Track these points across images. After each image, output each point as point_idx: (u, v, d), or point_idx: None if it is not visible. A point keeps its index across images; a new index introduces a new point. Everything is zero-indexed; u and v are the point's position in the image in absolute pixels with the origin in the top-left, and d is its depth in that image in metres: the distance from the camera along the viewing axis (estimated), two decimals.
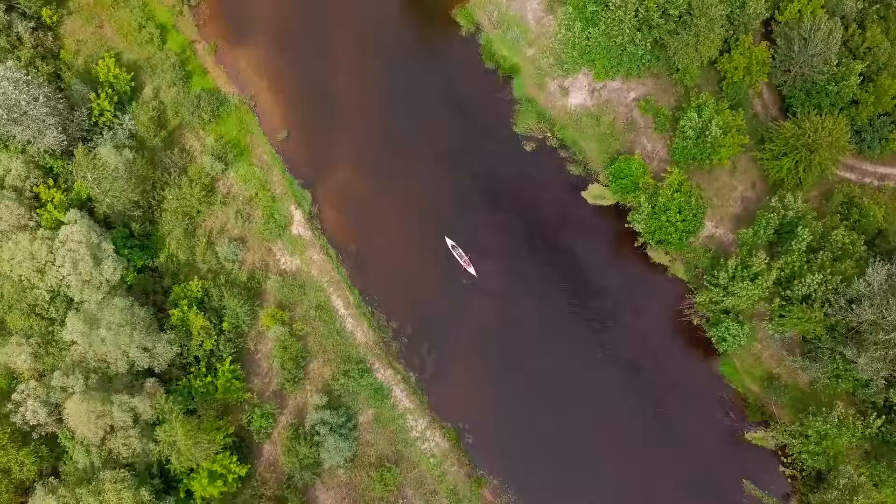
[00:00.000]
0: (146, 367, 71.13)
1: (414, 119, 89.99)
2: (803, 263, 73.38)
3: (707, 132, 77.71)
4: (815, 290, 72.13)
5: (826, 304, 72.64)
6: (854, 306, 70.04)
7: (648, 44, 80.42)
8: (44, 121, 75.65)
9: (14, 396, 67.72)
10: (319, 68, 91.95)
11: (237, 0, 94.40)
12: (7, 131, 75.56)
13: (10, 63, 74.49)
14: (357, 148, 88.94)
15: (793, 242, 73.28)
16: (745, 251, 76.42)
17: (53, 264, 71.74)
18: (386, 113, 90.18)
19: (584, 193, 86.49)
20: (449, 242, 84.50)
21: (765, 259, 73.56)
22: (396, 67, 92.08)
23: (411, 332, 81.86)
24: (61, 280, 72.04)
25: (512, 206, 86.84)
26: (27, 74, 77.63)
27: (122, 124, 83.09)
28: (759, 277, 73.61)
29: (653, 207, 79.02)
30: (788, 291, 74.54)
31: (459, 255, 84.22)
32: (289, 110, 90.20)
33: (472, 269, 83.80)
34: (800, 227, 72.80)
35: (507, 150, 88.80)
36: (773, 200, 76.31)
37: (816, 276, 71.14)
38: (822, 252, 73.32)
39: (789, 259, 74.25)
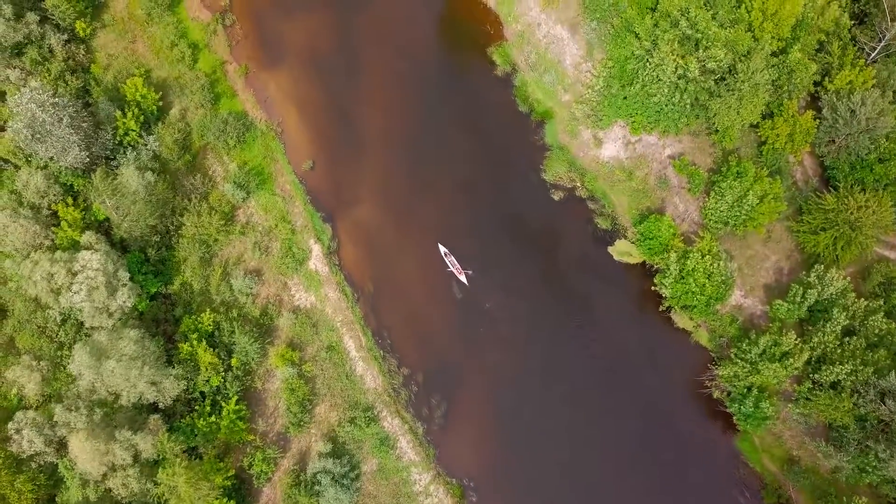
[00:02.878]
0: (152, 401, 69.72)
1: (441, 158, 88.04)
2: (836, 347, 70.27)
3: (745, 199, 74.86)
4: (844, 378, 69.06)
5: (856, 395, 69.56)
6: (887, 400, 66.95)
7: (688, 104, 77.76)
8: (68, 140, 74.61)
9: (10, 425, 66.54)
10: (350, 99, 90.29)
11: (273, 22, 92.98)
12: (30, 148, 74.50)
13: (35, 84, 73.38)
14: (381, 184, 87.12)
15: (827, 325, 70.24)
16: (776, 327, 73.53)
17: (69, 289, 70.53)
18: (413, 150, 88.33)
19: (610, 249, 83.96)
20: (442, 249, 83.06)
21: (796, 340, 70.64)
22: (427, 103, 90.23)
23: (422, 381, 79.86)
24: (74, 305, 70.82)
25: (537, 256, 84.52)
26: (54, 93, 76.69)
27: (146, 145, 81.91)
28: (789, 358, 70.75)
29: (681, 271, 76.42)
30: (817, 375, 71.54)
31: (451, 263, 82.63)
32: (315, 140, 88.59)
33: (463, 278, 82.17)
34: (836, 309, 69.74)
35: (534, 197, 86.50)
36: (811, 277, 73.01)
37: (847, 365, 68.04)
38: (856, 338, 70.20)
39: (821, 340, 71.20)
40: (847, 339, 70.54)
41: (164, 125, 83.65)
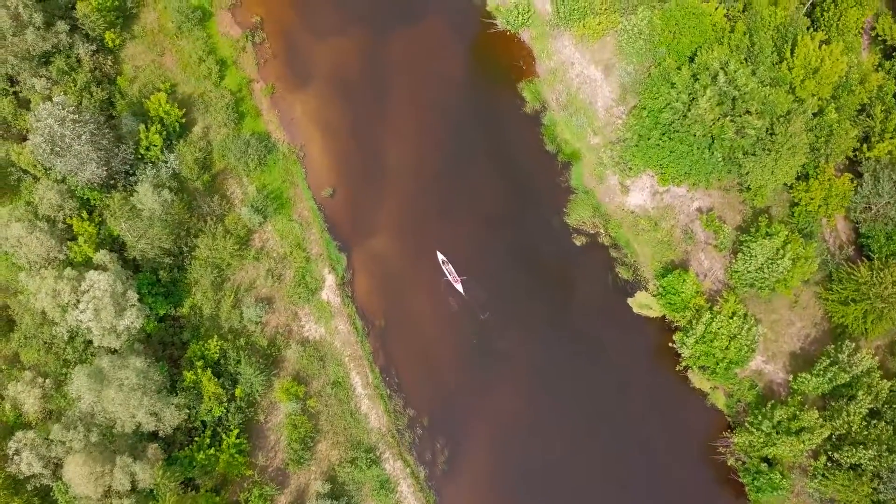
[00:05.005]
0: (152, 430, 68.58)
1: (463, 194, 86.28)
2: (861, 429, 67.51)
3: (777, 261, 72.14)
4: (866, 463, 66.34)
5: (877, 479, 66.81)
6: None
7: (720, 159, 75.44)
8: (87, 156, 73.78)
9: (10, 444, 65.69)
10: (375, 126, 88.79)
11: (304, 43, 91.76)
12: (49, 162, 73.77)
13: (58, 99, 72.57)
14: (400, 215, 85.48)
15: (851, 405, 67.54)
16: (797, 400, 70.94)
17: (76, 307, 69.65)
18: (435, 183, 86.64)
19: (630, 300, 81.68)
20: (440, 257, 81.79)
21: (817, 417, 68.01)
22: (453, 136, 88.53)
23: (428, 423, 78.06)
24: (81, 324, 69.90)
25: (555, 302, 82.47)
26: (78, 105, 76.05)
27: (166, 162, 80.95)
28: (808, 433, 68.13)
29: (704, 332, 74.01)
30: (837, 454, 68.83)
31: (449, 272, 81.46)
32: (337, 166, 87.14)
33: (459, 287, 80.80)
34: (861, 392, 67.02)
35: (556, 241, 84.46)
36: (841, 354, 70.03)
37: (871, 450, 65.32)
38: (880, 422, 67.42)
39: (845, 420, 68.48)
40: (873, 421, 67.71)
41: (185, 143, 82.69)
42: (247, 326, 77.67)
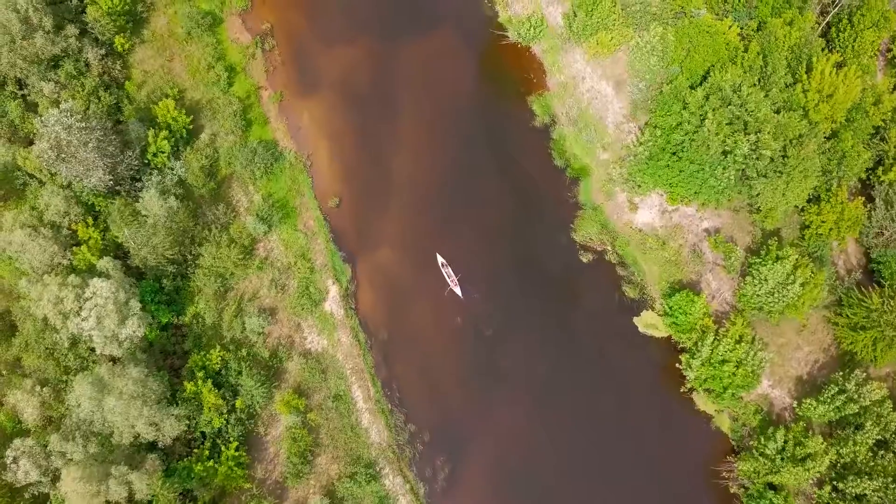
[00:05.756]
0: (151, 440, 68.14)
1: (470, 206, 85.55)
2: (867, 459, 66.52)
3: (788, 286, 71.10)
4: (871, 493, 65.33)
5: None
6: None
7: (731, 179, 74.49)
8: (93, 163, 73.45)
9: (8, 452, 65.36)
10: (383, 136, 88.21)
11: (313, 51, 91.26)
12: (54, 168, 73.44)
13: (65, 105, 72.22)
14: (406, 227, 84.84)
15: (858, 434, 66.52)
16: (801, 427, 69.95)
17: (78, 315, 69.28)
18: (442, 195, 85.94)
19: (635, 319, 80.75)
20: (440, 259, 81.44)
21: (822, 444, 67.03)
22: (461, 148, 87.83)
23: (429, 439, 77.32)
24: (83, 332, 69.53)
25: (560, 318, 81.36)
26: (86, 110, 75.79)
27: (172, 169, 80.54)
28: (812, 461, 67.15)
29: (710, 355, 73.11)
30: (841, 484, 67.84)
31: (448, 275, 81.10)
32: (344, 176, 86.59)
33: (458, 290, 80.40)
34: (869, 422, 66.00)
35: (562, 257, 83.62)
36: (850, 383, 68.92)
37: (876, 481, 64.33)
38: (887, 453, 66.40)
39: (850, 449, 67.48)
40: (881, 452, 66.69)
41: (192, 150, 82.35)
42: (249, 337, 77.17)
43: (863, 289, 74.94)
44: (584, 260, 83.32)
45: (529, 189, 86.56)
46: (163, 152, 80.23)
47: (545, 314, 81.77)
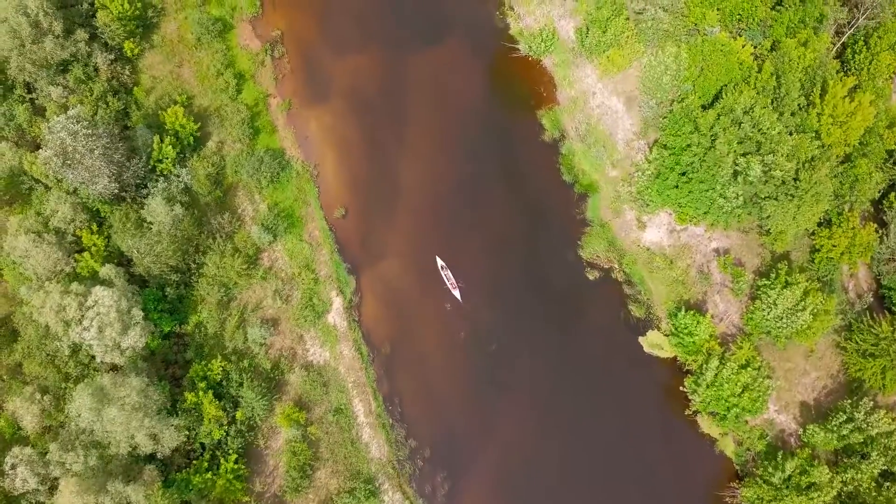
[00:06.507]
0: (149, 451, 67.72)
1: (477, 220, 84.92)
2: (872, 490, 65.59)
3: (798, 313, 70.08)
4: None
5: None
6: None
7: (741, 200, 73.59)
8: (98, 170, 73.13)
9: (7, 459, 65.06)
10: (391, 147, 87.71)
11: (323, 59, 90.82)
12: (60, 174, 73.16)
13: (72, 112, 71.93)
14: (412, 239, 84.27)
15: (863, 464, 65.58)
16: (807, 453, 69.00)
17: (80, 323, 68.92)
18: (449, 208, 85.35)
19: (641, 339, 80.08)
20: (439, 262, 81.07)
21: (828, 474, 66.11)
22: (469, 161, 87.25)
23: (429, 456, 76.71)
24: (84, 340, 69.17)
25: (565, 335, 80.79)
26: (93, 115, 75.56)
27: (178, 176, 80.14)
28: (817, 490, 66.24)
29: (715, 378, 72.28)
30: None
31: (447, 278, 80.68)
32: (351, 186, 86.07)
33: (457, 294, 79.98)
34: (875, 452, 65.05)
35: (569, 273, 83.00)
36: (858, 412, 67.94)
37: None
38: (893, 485, 65.41)
39: (854, 477, 66.56)
40: (886, 483, 65.74)
41: (198, 157, 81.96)
42: (251, 348, 76.71)
43: (873, 315, 73.90)
44: (591, 277, 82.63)
45: (537, 204, 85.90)
46: (167, 158, 79.75)
47: (550, 331, 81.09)
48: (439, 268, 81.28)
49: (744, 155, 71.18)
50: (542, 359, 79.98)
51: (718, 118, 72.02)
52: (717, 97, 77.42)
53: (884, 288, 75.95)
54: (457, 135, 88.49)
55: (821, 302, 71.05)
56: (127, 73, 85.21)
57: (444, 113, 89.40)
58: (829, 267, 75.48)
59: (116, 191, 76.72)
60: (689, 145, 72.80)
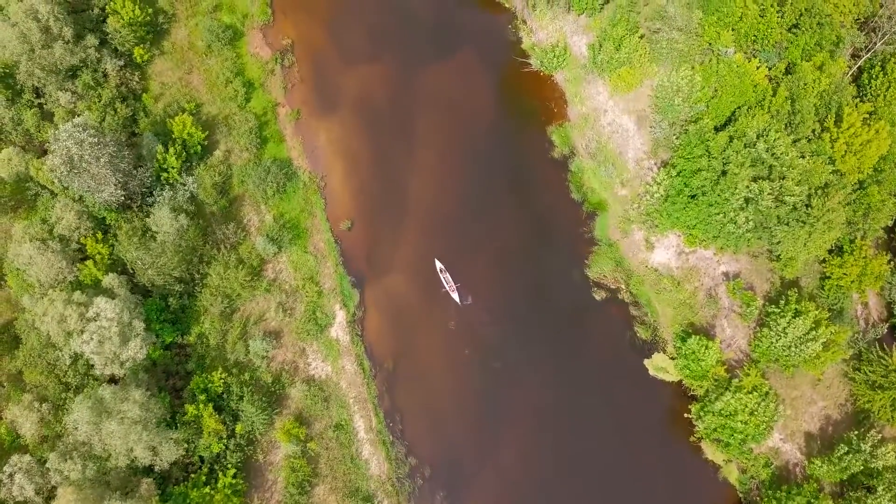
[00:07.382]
0: (148, 464, 67.28)
1: (484, 237, 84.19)
2: None
3: (808, 343, 69.00)
4: None
5: None
6: None
7: (751, 225, 72.56)
8: (104, 178, 72.76)
9: (5, 468, 64.75)
10: (399, 159, 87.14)
11: (333, 69, 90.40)
12: (66, 181, 72.78)
13: (79, 119, 71.51)
14: (418, 254, 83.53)
15: (869, 499, 64.54)
16: (812, 487, 67.98)
17: (80, 335, 68.44)
18: (456, 223, 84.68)
19: (646, 362, 79.16)
20: (438, 265, 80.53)
21: None
22: (477, 175, 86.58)
23: (430, 475, 75.92)
24: (84, 353, 68.69)
25: (569, 355, 79.76)
26: (101, 122, 75.24)
27: (184, 185, 79.71)
28: None
29: (722, 406, 71.25)
30: None
31: (446, 280, 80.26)
32: (358, 199, 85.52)
33: (456, 296, 79.64)
34: (881, 486, 64.02)
35: (575, 294, 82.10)
36: (864, 444, 66.92)
37: None
38: None
39: None
40: None
41: (205, 166, 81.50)
42: (253, 360, 76.15)
43: (883, 345, 72.81)
44: (597, 297, 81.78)
45: (544, 221, 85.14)
46: (173, 167, 79.18)
47: (554, 350, 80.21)
48: (437, 270, 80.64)
49: (755, 180, 70.11)
50: (545, 378, 79.09)
51: (731, 141, 71.04)
52: (729, 119, 76.43)
53: (895, 317, 74.79)
54: (466, 149, 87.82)
55: (832, 333, 69.92)
56: (136, 79, 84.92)
57: (454, 126, 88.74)
58: (839, 295, 74.40)
59: (122, 199, 76.36)
60: (699, 169, 71.84)
